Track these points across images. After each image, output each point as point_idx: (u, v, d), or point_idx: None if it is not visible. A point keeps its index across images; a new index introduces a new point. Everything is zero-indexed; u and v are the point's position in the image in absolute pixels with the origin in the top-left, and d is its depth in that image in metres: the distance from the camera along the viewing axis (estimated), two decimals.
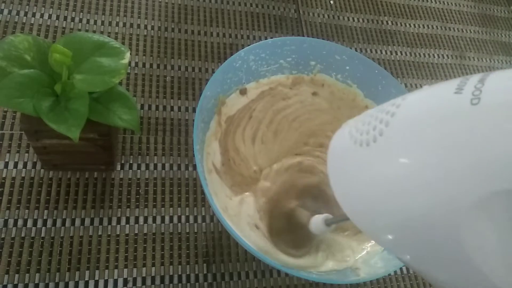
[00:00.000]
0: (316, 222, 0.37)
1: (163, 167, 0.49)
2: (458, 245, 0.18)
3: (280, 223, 0.45)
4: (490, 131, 0.16)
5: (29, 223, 0.43)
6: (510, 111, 0.16)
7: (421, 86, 0.44)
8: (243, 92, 0.50)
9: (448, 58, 0.73)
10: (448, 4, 0.80)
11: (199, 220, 0.47)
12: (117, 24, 0.57)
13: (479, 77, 0.17)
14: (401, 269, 0.51)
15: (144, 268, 0.44)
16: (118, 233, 0.44)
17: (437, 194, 0.18)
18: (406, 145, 0.19)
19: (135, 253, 0.44)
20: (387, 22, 0.73)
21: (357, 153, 0.22)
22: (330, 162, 0.25)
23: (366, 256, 0.45)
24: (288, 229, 0.44)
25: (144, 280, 0.43)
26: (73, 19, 0.56)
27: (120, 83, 0.40)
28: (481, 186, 0.16)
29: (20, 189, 0.44)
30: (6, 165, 0.45)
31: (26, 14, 0.54)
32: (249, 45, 0.47)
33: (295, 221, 0.44)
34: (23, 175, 0.45)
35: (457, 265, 0.19)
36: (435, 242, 0.19)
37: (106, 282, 0.42)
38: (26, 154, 0.46)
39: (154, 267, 0.44)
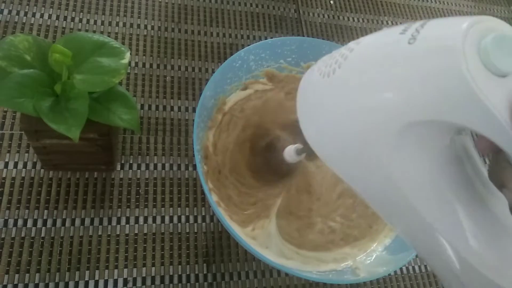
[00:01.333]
0: (289, 151, 0.41)
1: (163, 167, 0.49)
2: (388, 169, 0.21)
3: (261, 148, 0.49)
4: (418, 68, 0.18)
5: (29, 223, 0.43)
6: (436, 52, 0.18)
7: None
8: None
9: None
10: (448, 4, 0.80)
11: (199, 220, 0.47)
12: (117, 24, 0.57)
13: (423, 21, 0.19)
14: (401, 269, 0.51)
15: (144, 268, 0.44)
16: (118, 233, 0.44)
17: (374, 118, 0.21)
18: (354, 76, 0.22)
19: (135, 253, 0.44)
20: (387, 22, 0.73)
21: (318, 83, 0.25)
22: (299, 92, 0.28)
23: (366, 256, 0.45)
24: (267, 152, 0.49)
25: (144, 280, 0.43)
26: (73, 19, 0.56)
27: (120, 83, 0.40)
28: (409, 115, 0.19)
29: (20, 189, 0.44)
30: (6, 165, 0.45)
31: (26, 14, 0.54)
32: (249, 45, 0.47)
33: (274, 148, 0.49)
34: (23, 175, 0.45)
35: (386, 195, 0.22)
36: (370, 165, 0.22)
37: (106, 282, 0.42)
38: (26, 154, 0.46)
39: (154, 267, 0.44)
